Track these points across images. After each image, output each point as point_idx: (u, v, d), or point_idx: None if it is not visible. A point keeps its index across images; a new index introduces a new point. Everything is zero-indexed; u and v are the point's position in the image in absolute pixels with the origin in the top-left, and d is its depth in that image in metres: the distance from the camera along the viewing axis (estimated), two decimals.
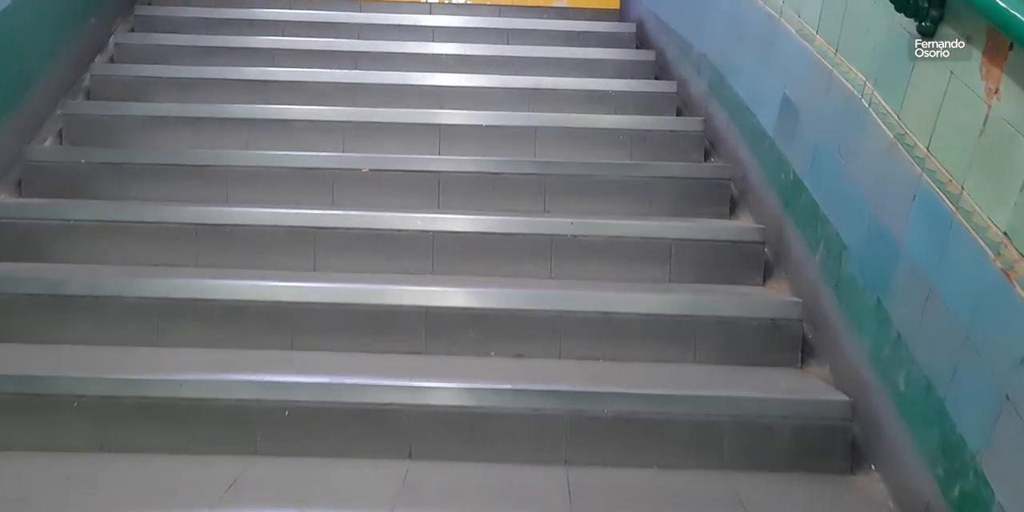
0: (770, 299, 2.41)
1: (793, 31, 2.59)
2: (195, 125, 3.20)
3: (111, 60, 3.73)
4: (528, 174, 2.95)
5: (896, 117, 1.93)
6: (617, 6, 4.52)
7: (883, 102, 2.00)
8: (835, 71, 2.28)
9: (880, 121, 2.01)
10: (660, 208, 2.93)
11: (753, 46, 2.95)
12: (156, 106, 3.28)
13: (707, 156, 3.25)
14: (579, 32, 4.17)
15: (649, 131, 3.25)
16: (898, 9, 1.80)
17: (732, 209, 2.95)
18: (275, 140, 3.17)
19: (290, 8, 4.26)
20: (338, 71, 3.60)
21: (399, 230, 2.64)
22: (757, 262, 2.62)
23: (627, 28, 4.22)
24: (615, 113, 3.46)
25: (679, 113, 3.55)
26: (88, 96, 3.45)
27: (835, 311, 2.21)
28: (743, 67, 3.03)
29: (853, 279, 2.12)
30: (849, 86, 2.19)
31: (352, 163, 2.96)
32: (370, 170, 2.94)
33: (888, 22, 1.97)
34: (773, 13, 2.76)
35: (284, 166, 2.94)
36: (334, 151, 3.14)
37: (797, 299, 2.35)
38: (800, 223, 2.47)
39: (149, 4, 4.25)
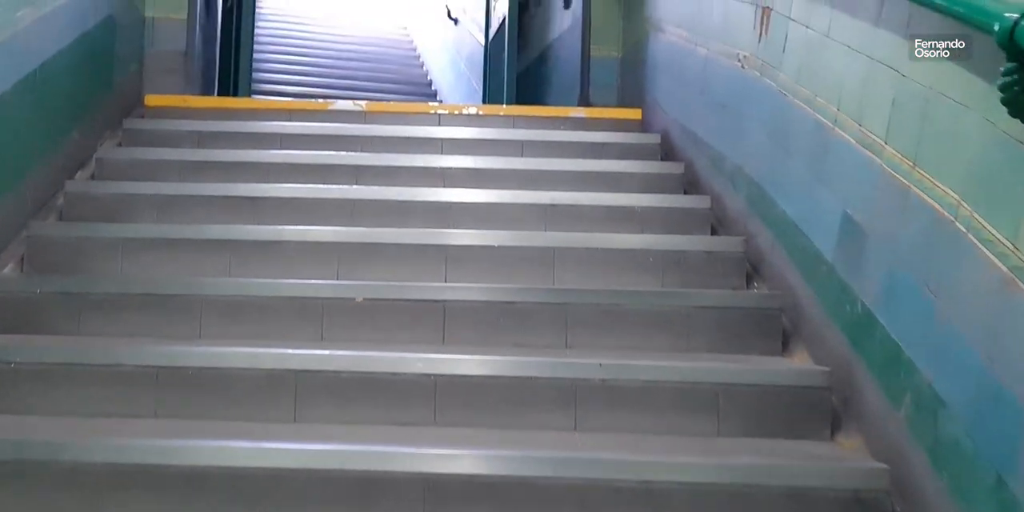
0: (848, 464, 1.97)
1: (852, 141, 2.25)
2: (172, 248, 2.85)
3: (92, 177, 3.43)
4: (547, 304, 2.56)
5: (1011, 246, 1.54)
6: (639, 116, 4.23)
7: (988, 227, 1.62)
8: (914, 188, 1.91)
9: (986, 250, 1.62)
10: (700, 343, 2.52)
11: (800, 158, 2.61)
12: (130, 227, 2.95)
13: (749, 281, 2.87)
14: (599, 144, 3.87)
15: (683, 252, 2.88)
16: (1013, 114, 1.44)
17: (784, 344, 2.54)
18: (261, 265, 2.81)
19: (290, 121, 3.99)
20: (336, 187, 3.28)
21: (395, 373, 2.23)
22: (823, 413, 2.19)
23: (651, 139, 3.92)
24: (642, 232, 3.10)
25: (714, 232, 3.19)
26: (61, 216, 3.12)
27: (934, 484, 1.76)
28: (789, 181, 2.68)
29: (957, 445, 1.69)
30: (936, 206, 1.82)
31: (346, 291, 2.59)
32: (365, 299, 2.57)
33: (990, 131, 1.61)
34: (825, 121, 2.43)
35: (267, 295, 2.57)
36: (326, 277, 2.78)
37: (883, 465, 1.91)
38: (875, 367, 2.06)
39: (141, 117, 4.00)
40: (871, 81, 2.16)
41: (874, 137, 2.13)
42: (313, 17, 11.45)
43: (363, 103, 4.16)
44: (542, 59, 5.58)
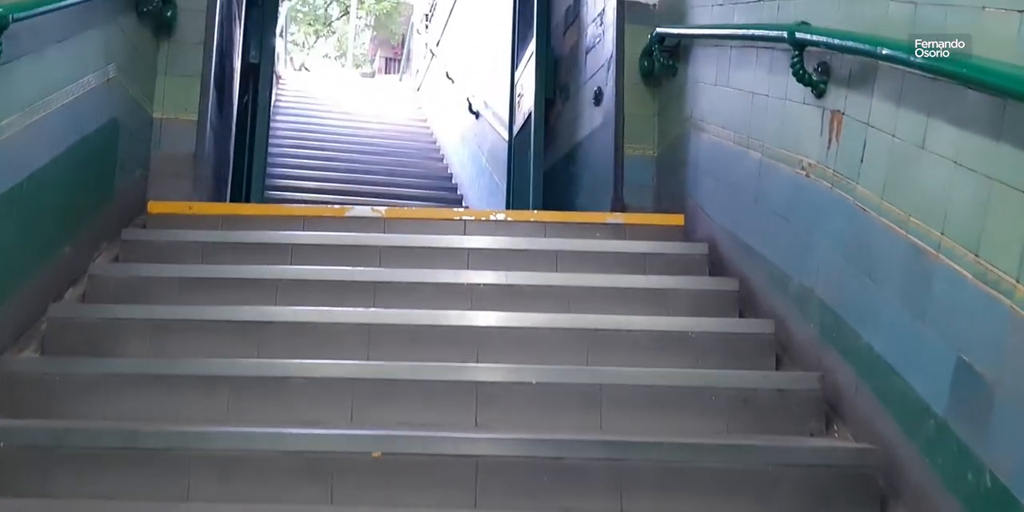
0: None
1: (966, 274, 1.88)
2: (162, 386, 2.49)
3: (83, 296, 3.09)
4: (598, 459, 2.16)
5: None
6: (681, 222, 3.89)
7: None
8: None
9: None
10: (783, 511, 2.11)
11: (890, 286, 2.24)
12: (115, 362, 2.59)
13: (828, 424, 2.47)
14: (640, 254, 3.52)
15: (750, 391, 2.49)
16: None
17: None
18: (263, 406, 2.44)
19: (303, 230, 3.67)
20: (350, 309, 2.92)
21: None
22: None
23: (697, 249, 3.56)
24: (699, 364, 2.72)
25: (779, 362, 2.80)
26: (41, 347, 2.77)
27: None
28: (876, 312, 2.31)
29: None
30: None
31: (360, 444, 2.19)
32: (383, 454, 2.17)
33: None
34: (924, 246, 2.07)
35: (268, 449, 2.19)
36: (338, 422, 2.40)
37: None
38: None
39: (143, 227, 3.70)
40: (993, 206, 1.81)
41: (999, 273, 1.76)
42: (331, 106, 11.38)
43: (382, 209, 3.84)
44: (571, 157, 5.30)
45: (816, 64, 2.71)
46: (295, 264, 3.35)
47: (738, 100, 3.42)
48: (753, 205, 3.22)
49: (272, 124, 9.97)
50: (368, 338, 2.78)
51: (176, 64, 4.17)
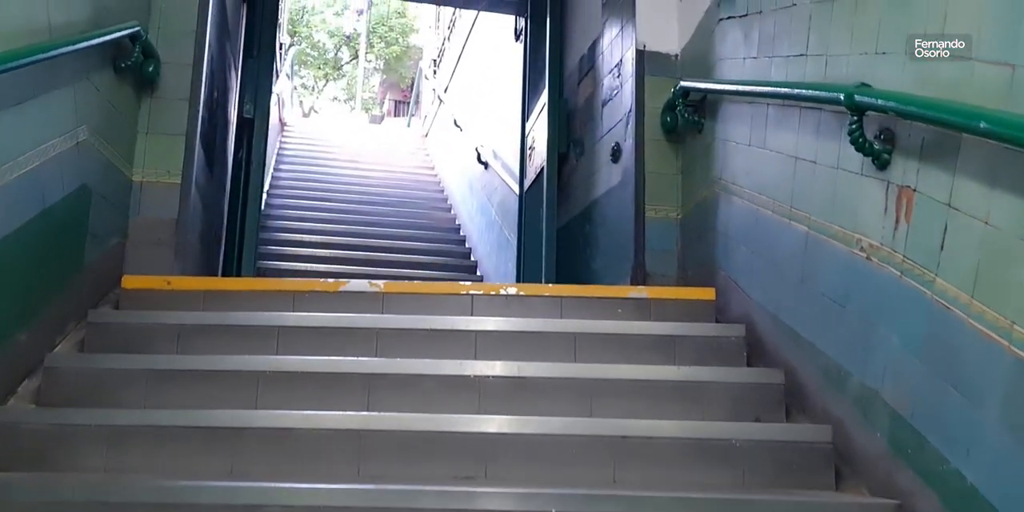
0: None
1: None
2: None
3: (36, 394, 2.71)
4: None
5: None
6: (712, 297, 3.50)
7: None
8: None
9: None
10: None
11: (993, 407, 1.83)
12: (50, 485, 2.18)
13: None
14: (668, 338, 3.12)
15: None
16: None
17: None
18: None
19: (293, 310, 3.29)
20: (340, 414, 2.53)
21: None
22: None
23: (732, 331, 3.16)
24: (745, 482, 2.32)
25: (838, 475, 2.39)
26: None
27: None
28: (970, 433, 1.90)
29: None
30: None
31: None
32: None
33: None
34: None
35: None
36: None
37: None
38: None
39: (115, 306, 3.33)
40: None
41: None
42: (338, 154, 11.10)
43: (380, 284, 3.46)
44: (587, 216, 4.93)
45: (877, 131, 2.35)
46: (281, 352, 2.97)
47: (777, 164, 3.05)
48: (799, 284, 2.83)
49: (276, 173, 9.71)
50: (359, 448, 2.39)
51: (159, 122, 3.84)
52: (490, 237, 7.61)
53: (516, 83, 6.69)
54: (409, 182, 10.53)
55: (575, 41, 5.39)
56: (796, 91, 2.79)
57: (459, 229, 8.94)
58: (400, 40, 30.69)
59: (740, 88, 3.36)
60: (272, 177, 9.44)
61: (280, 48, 11.32)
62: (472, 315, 3.32)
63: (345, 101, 34.90)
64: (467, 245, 8.44)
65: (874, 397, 2.31)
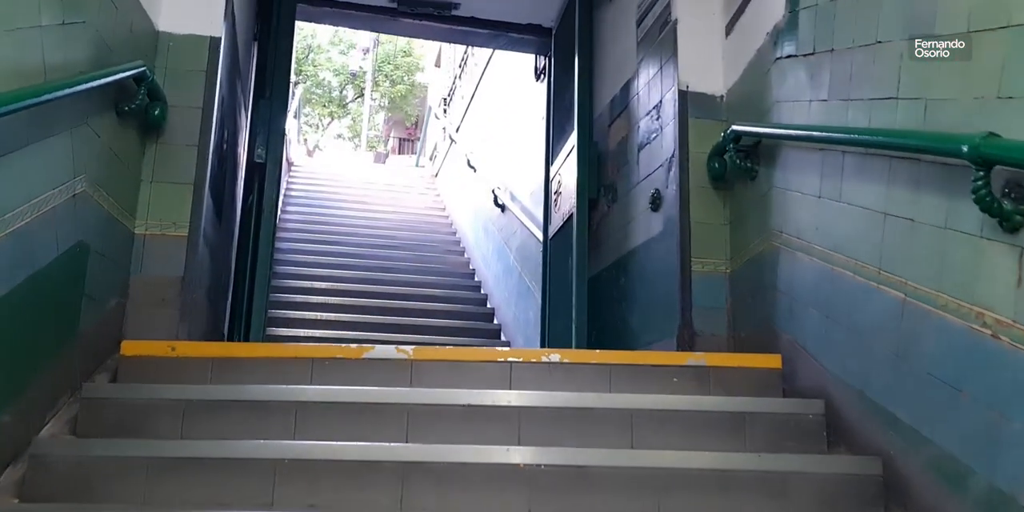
0: None
1: None
2: None
3: (19, 491, 2.34)
4: None
5: None
6: (778, 364, 3.14)
7: None
8: None
9: None
10: None
11: None
12: None
13: None
14: (736, 415, 2.76)
15: None
16: None
17: None
18: None
19: (312, 382, 2.94)
20: None
21: None
22: None
23: (808, 408, 2.79)
24: None
25: None
26: None
27: None
28: None
29: None
30: None
31: None
32: None
33: None
34: None
35: None
36: None
37: None
38: None
39: (112, 378, 2.97)
40: None
41: None
42: (345, 195, 10.80)
43: (409, 350, 3.10)
44: (621, 267, 4.59)
45: (1004, 186, 2.01)
46: (299, 434, 2.61)
47: (859, 220, 2.71)
48: (895, 359, 2.47)
49: (283, 214, 9.40)
50: None
51: (165, 170, 3.52)
52: (508, 284, 7.26)
53: (537, 124, 6.41)
54: (421, 224, 10.22)
55: (605, 81, 5.10)
56: (894, 139, 2.46)
57: (474, 274, 8.60)
58: (406, 78, 30.67)
59: (810, 133, 3.03)
60: (279, 219, 9.13)
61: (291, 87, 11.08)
62: (512, 387, 2.96)
63: (350, 138, 34.83)
64: (483, 291, 8.09)
65: (1009, 504, 1.94)
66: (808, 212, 3.11)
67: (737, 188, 3.81)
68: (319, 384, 2.89)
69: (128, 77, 3.07)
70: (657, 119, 4.26)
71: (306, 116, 31.64)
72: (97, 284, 3.04)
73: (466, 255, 9.19)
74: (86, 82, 2.66)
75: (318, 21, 6.33)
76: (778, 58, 3.45)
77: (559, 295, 5.28)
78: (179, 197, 3.51)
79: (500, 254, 7.71)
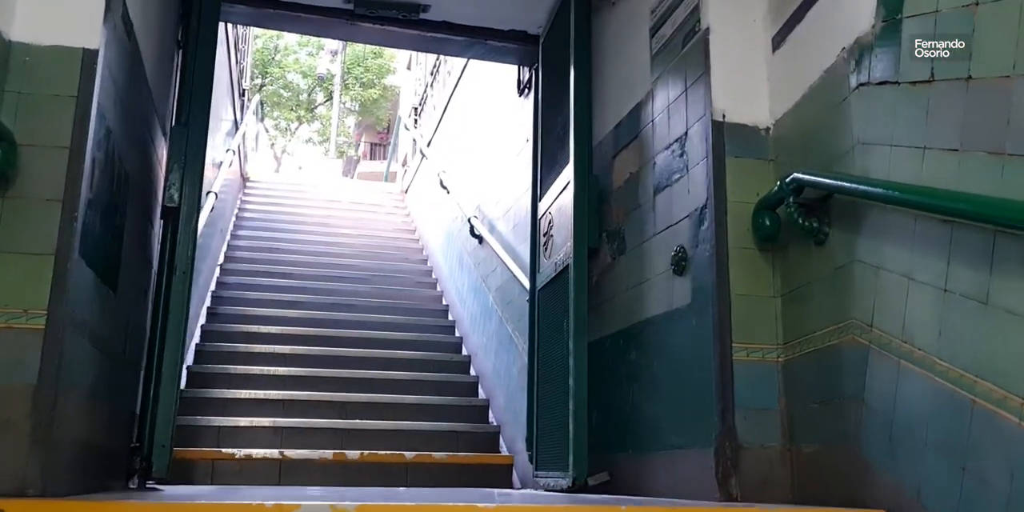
0: None
1: None
2: None
3: None
4: None
5: None
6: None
7: None
8: None
9: None
10: None
11: None
12: None
13: None
14: None
15: None
16: None
17: None
18: None
19: None
20: None
21: None
22: None
23: None
24: None
25: None
26: None
27: None
28: None
29: None
30: None
31: None
32: None
33: None
34: None
35: None
36: None
37: None
38: None
39: None
40: None
41: None
42: (306, 214, 9.79)
43: (350, 507, 2.12)
44: (632, 338, 3.63)
45: None
46: None
47: (1006, 328, 1.78)
48: None
49: (232, 241, 8.37)
50: None
51: (11, 236, 2.52)
52: (487, 329, 6.29)
53: (519, 146, 5.47)
54: (389, 250, 9.22)
55: (608, 101, 4.14)
56: None
57: (447, 311, 7.61)
58: (377, 81, 29.63)
59: (938, 202, 2.08)
60: (228, 246, 8.11)
61: (243, 95, 10.04)
62: None
63: (320, 143, 33.73)
64: (457, 333, 7.11)
65: None
66: (924, 309, 2.17)
67: (792, 251, 2.87)
68: None
69: None
70: (681, 156, 3.31)
71: (274, 120, 30.50)
72: None
73: (439, 287, 8.21)
74: None
75: (255, 24, 5.34)
76: (863, 84, 2.51)
77: (550, 360, 4.30)
78: (34, 273, 2.51)
79: (477, 292, 6.74)
